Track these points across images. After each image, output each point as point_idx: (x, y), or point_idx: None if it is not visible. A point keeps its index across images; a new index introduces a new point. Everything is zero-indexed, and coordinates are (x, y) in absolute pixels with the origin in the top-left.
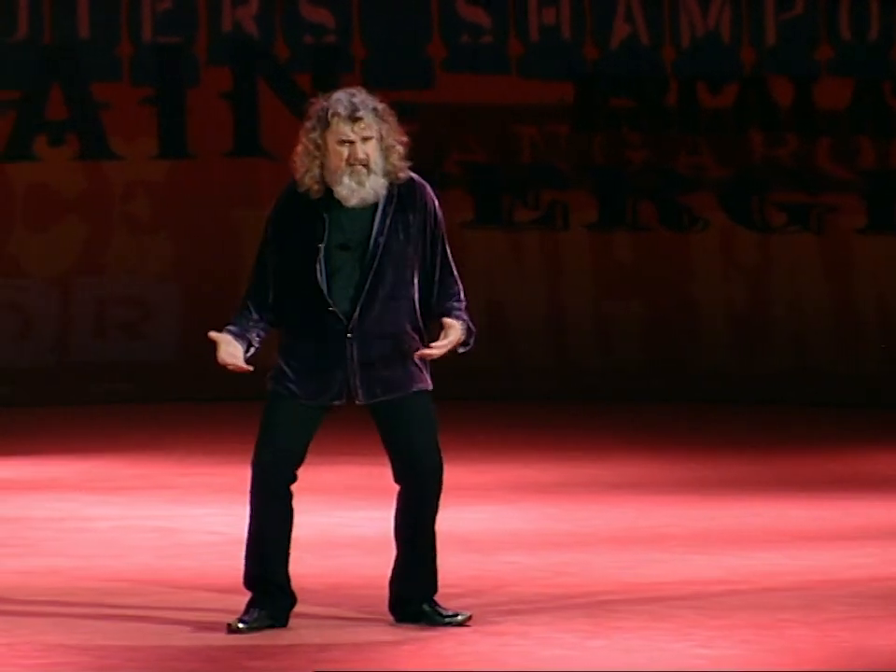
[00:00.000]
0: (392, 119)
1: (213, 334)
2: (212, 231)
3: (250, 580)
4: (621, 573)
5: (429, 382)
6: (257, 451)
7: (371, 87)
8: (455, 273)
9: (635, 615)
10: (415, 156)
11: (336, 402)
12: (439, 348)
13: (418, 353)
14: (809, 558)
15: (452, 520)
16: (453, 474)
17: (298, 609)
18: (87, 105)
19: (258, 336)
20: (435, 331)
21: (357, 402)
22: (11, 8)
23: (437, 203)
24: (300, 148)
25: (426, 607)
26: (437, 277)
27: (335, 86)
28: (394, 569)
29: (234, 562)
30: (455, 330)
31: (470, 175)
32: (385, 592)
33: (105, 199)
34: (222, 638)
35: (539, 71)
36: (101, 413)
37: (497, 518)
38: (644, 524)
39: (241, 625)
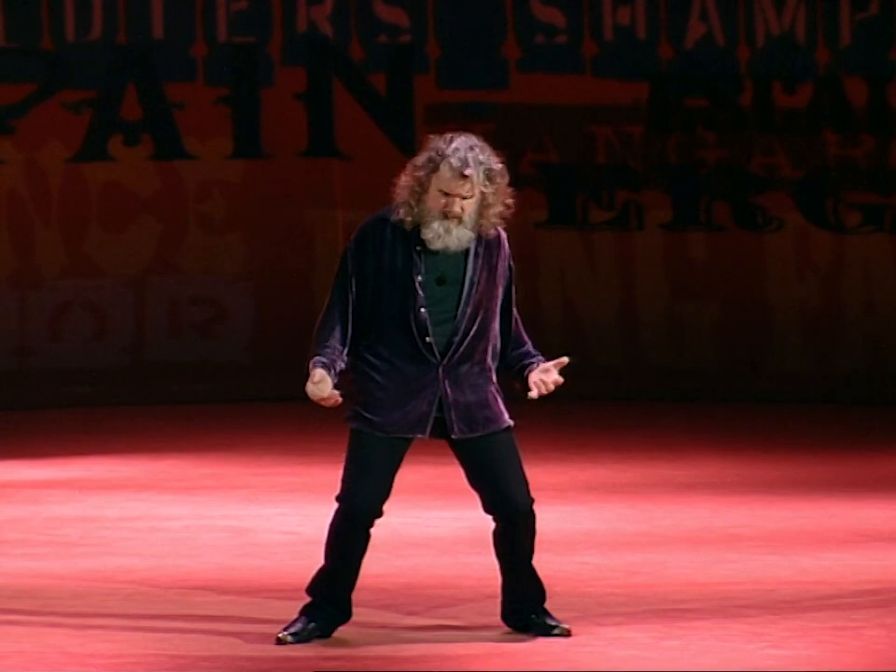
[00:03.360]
0: (503, 181)
1: (313, 385)
2: (285, 232)
3: (316, 595)
4: (694, 573)
5: (509, 419)
6: (346, 491)
7: (446, 87)
8: (520, 320)
9: (707, 615)
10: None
11: (420, 435)
12: (555, 383)
13: (533, 390)
14: (885, 559)
15: None
16: (527, 474)
17: (373, 608)
18: (161, 105)
19: (341, 367)
20: (506, 378)
21: (452, 436)
22: (86, 9)
23: (510, 252)
24: (404, 180)
25: (534, 617)
26: (510, 322)
27: (409, 86)
28: (502, 583)
29: (307, 562)
30: (556, 370)
31: (545, 175)
32: (458, 591)
33: (180, 199)
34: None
35: (613, 71)
36: (174, 413)
37: (570, 518)
38: (717, 524)
39: (290, 638)
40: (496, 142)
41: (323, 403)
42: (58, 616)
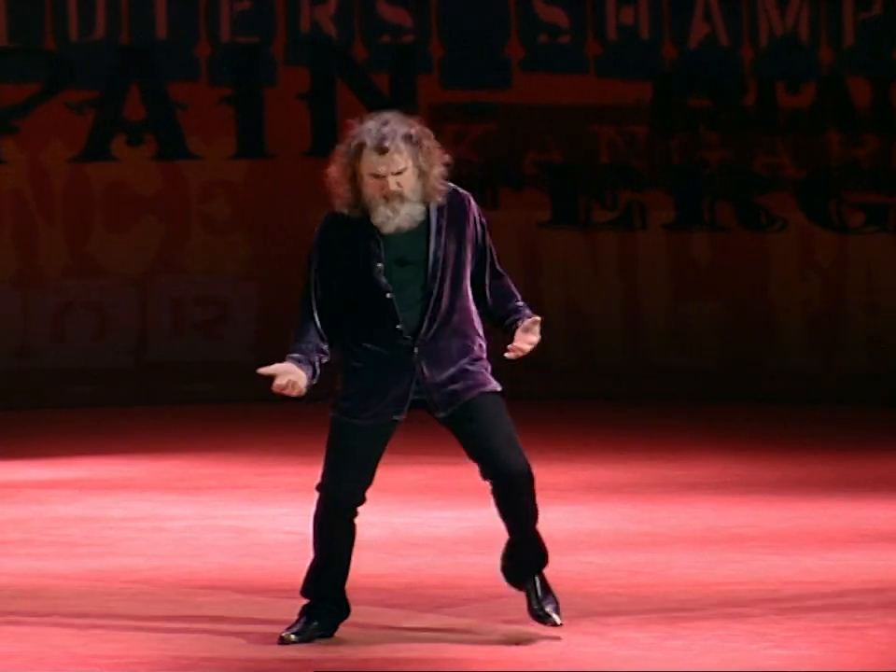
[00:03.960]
0: (429, 142)
1: (266, 369)
2: (289, 231)
3: (309, 593)
4: (696, 573)
5: (497, 384)
6: (326, 480)
7: (449, 87)
8: (505, 272)
9: (710, 615)
10: (493, 156)
11: (399, 417)
12: (529, 344)
13: (510, 352)
14: (888, 559)
15: None
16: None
17: (374, 608)
18: (165, 105)
19: (319, 362)
20: (497, 332)
21: (438, 415)
22: (89, 9)
23: (479, 210)
24: (334, 172)
25: (530, 587)
26: (490, 281)
27: (413, 86)
28: (507, 542)
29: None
30: (537, 326)
31: (548, 175)
32: (460, 591)
33: (183, 199)
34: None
35: (616, 71)
36: (177, 413)
37: (573, 518)
38: (720, 524)
39: (293, 637)
40: (498, 142)
41: (285, 392)
42: (61, 616)
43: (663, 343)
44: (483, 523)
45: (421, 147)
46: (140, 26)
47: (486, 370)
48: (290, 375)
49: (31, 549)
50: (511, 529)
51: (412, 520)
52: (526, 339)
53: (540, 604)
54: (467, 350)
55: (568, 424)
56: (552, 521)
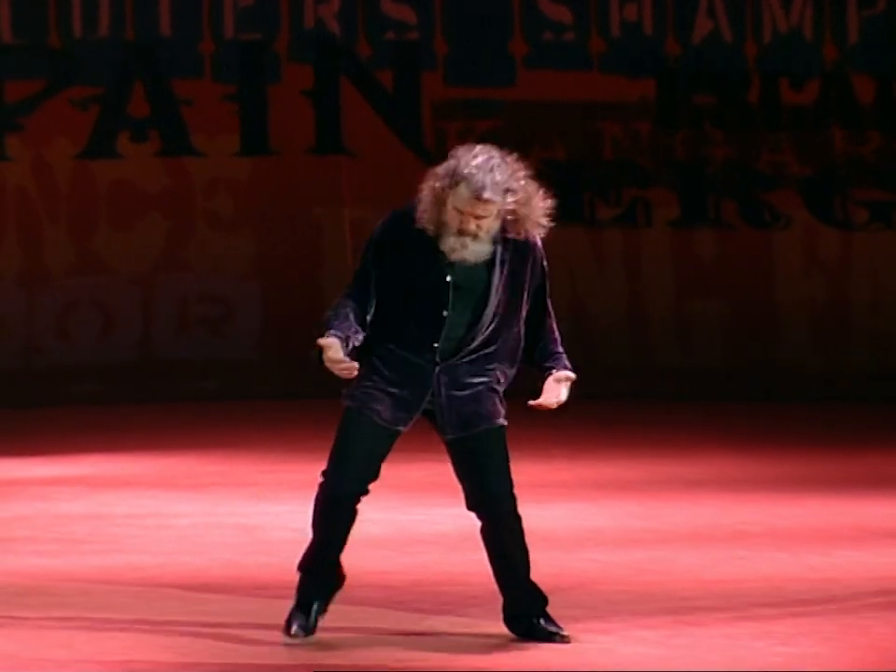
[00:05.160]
0: (532, 190)
1: (323, 340)
2: (293, 229)
3: (305, 568)
4: (702, 571)
5: (504, 418)
6: (331, 467)
7: (453, 84)
8: (555, 321)
9: (716, 613)
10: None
11: (402, 429)
12: (557, 401)
13: (536, 403)
14: (893, 556)
15: (533, 517)
16: (534, 472)
17: (380, 606)
18: (169, 101)
19: (354, 344)
20: (530, 376)
21: (443, 435)
22: (93, 6)
23: (543, 254)
24: (426, 190)
25: (535, 621)
26: (539, 324)
27: (417, 83)
28: (501, 591)
29: None
30: (568, 383)
31: (552, 172)
32: (466, 588)
33: (187, 196)
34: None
35: (620, 67)
36: (182, 410)
37: (578, 516)
38: (725, 521)
39: (301, 632)
40: (502, 139)
41: (336, 369)
42: (65, 613)
43: (667, 340)
44: None
45: (516, 197)
46: (144, 23)
47: (500, 401)
48: (341, 354)
49: (36, 546)
50: (502, 580)
51: (417, 517)
52: (556, 394)
53: (548, 632)
54: (487, 384)
55: (572, 421)
56: (556, 518)
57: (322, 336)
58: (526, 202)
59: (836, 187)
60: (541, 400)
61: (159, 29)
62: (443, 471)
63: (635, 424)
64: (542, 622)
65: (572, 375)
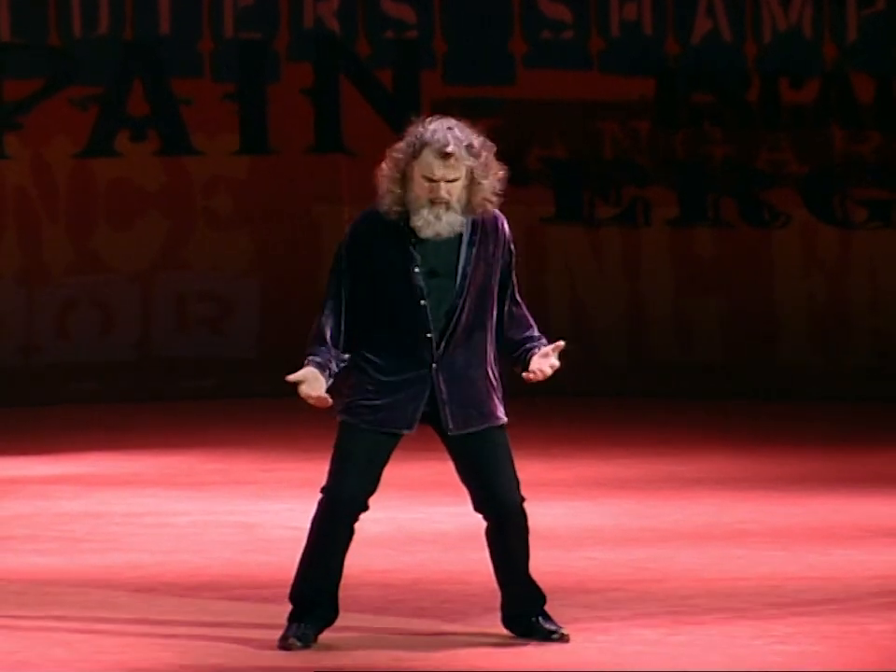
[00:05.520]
0: (488, 154)
1: (293, 376)
2: (292, 227)
3: (299, 597)
4: (701, 569)
5: (504, 416)
6: (331, 483)
7: (453, 82)
8: (523, 302)
9: (715, 611)
10: (497, 152)
11: (406, 431)
12: (551, 367)
13: (531, 374)
14: (891, 555)
15: (533, 516)
16: (533, 470)
17: (379, 605)
18: (168, 100)
19: (336, 367)
20: (505, 361)
21: (447, 432)
22: (93, 5)
23: (511, 235)
24: (385, 169)
25: (533, 620)
26: (509, 308)
27: (416, 81)
28: (500, 591)
29: None
30: (557, 352)
31: (551, 171)
32: (465, 587)
33: (187, 194)
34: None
35: (620, 66)
36: (181, 409)
37: (576, 514)
38: (724, 520)
39: (298, 643)
40: (502, 138)
41: (311, 402)
42: (64, 612)
43: (666, 339)
44: None
45: (480, 158)
46: (144, 22)
47: (500, 399)
48: (317, 384)
49: (35, 544)
50: (503, 578)
51: (417, 516)
52: (548, 362)
53: (547, 631)
54: (484, 374)
55: (571, 419)
56: (555, 517)
57: (305, 358)
58: (486, 163)
59: (836, 186)
60: (534, 368)
61: (158, 28)
62: (443, 470)
63: (634, 422)
64: (541, 620)
65: (559, 343)
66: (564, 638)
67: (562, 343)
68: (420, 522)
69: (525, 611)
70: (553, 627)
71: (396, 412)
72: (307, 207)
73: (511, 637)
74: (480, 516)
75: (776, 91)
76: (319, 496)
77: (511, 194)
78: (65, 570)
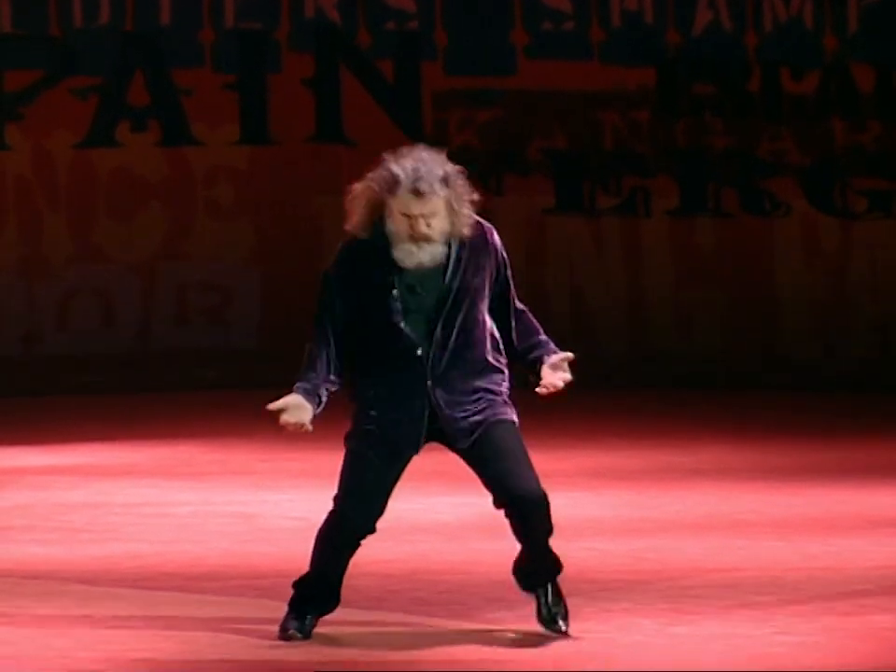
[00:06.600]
0: (460, 181)
1: (275, 404)
2: (293, 218)
3: (301, 601)
4: (701, 560)
5: (514, 415)
6: (342, 505)
7: (453, 73)
8: (525, 306)
9: (715, 601)
10: (498, 142)
11: (413, 453)
12: (563, 381)
13: (543, 388)
14: (892, 545)
15: None
16: (533, 461)
17: (379, 595)
18: (169, 91)
19: (326, 392)
20: (518, 367)
21: (457, 447)
22: None
23: (501, 243)
24: (358, 193)
25: (541, 590)
26: (516, 318)
27: (417, 72)
28: (520, 549)
29: None
30: (565, 363)
31: (552, 162)
32: (465, 577)
33: (187, 185)
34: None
35: (621, 57)
36: (182, 400)
37: (576, 505)
38: (725, 510)
39: (298, 635)
40: (503, 129)
41: (290, 429)
42: (64, 602)
43: (666, 330)
44: (489, 509)
45: (453, 187)
46: (144, 12)
47: (505, 402)
48: (299, 412)
49: (34, 535)
50: (526, 544)
51: (417, 506)
52: (559, 375)
53: (549, 610)
54: (483, 383)
55: (571, 410)
56: (556, 508)
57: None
58: (460, 191)
59: (836, 176)
60: (546, 383)
61: (159, 18)
62: (443, 460)
63: (634, 413)
64: (549, 598)
65: (568, 354)
66: (564, 634)
67: (570, 354)
68: (420, 512)
69: (536, 572)
70: (555, 610)
71: (400, 434)
72: (308, 198)
73: (509, 626)
74: (491, 509)
75: (776, 81)
76: (329, 506)
77: (512, 185)
78: (65, 561)
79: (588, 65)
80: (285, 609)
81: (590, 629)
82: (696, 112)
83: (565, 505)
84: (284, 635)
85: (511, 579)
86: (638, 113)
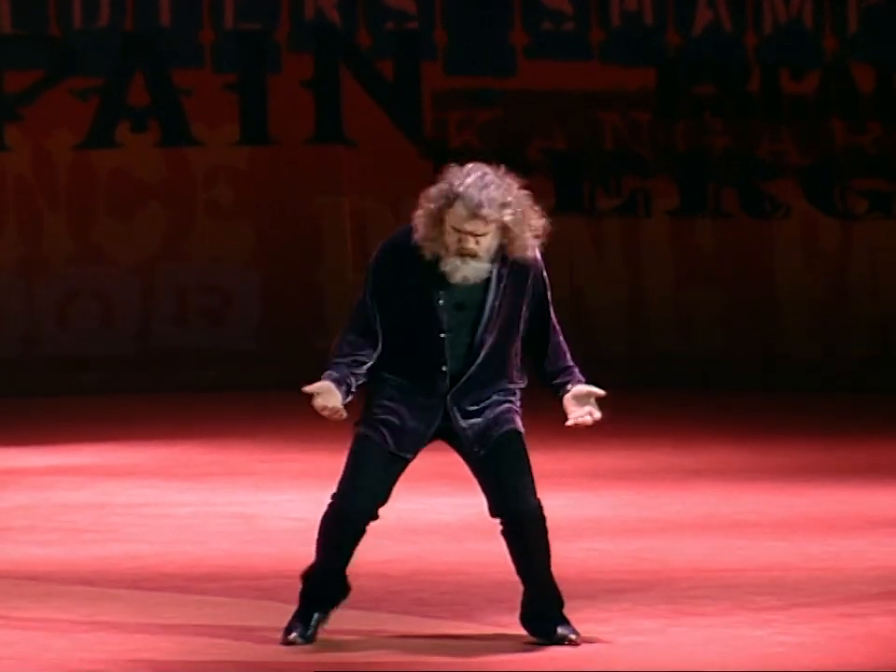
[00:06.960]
0: (526, 205)
1: (309, 387)
2: (293, 218)
3: (308, 598)
4: (701, 560)
5: (520, 425)
6: (342, 489)
7: (453, 73)
8: (561, 334)
9: (715, 602)
10: (498, 142)
11: (410, 457)
12: (593, 418)
13: (572, 422)
14: (892, 545)
15: None
16: (533, 461)
17: (379, 596)
18: (168, 91)
19: (356, 382)
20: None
21: (472, 454)
22: None
23: (544, 266)
24: (423, 212)
25: (555, 626)
26: (549, 338)
27: (417, 72)
28: (523, 589)
29: (314, 548)
30: (592, 399)
31: (552, 162)
32: (465, 578)
33: (187, 185)
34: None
35: (621, 57)
36: (181, 400)
37: (576, 505)
38: (725, 510)
39: (299, 640)
40: (503, 129)
41: (325, 415)
42: (65, 603)
43: (666, 330)
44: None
45: (515, 214)
46: (144, 13)
47: (516, 412)
48: (331, 397)
49: (35, 535)
50: (523, 576)
51: (417, 506)
52: (588, 410)
53: (559, 635)
54: (499, 396)
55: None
56: (555, 508)
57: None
58: (522, 216)
59: (836, 176)
60: (575, 419)
61: (159, 19)
62: (444, 461)
63: (633, 413)
64: (558, 628)
65: (598, 391)
66: (573, 643)
67: (602, 392)
68: (421, 512)
69: (543, 611)
70: (566, 632)
71: (406, 436)
72: (308, 198)
73: (508, 627)
74: (487, 514)
75: (776, 81)
76: (328, 499)
77: None
78: (65, 561)
79: (588, 66)
80: (291, 608)
81: (589, 630)
82: (696, 113)
83: (565, 505)
84: (286, 639)
85: (524, 631)
86: (638, 113)
